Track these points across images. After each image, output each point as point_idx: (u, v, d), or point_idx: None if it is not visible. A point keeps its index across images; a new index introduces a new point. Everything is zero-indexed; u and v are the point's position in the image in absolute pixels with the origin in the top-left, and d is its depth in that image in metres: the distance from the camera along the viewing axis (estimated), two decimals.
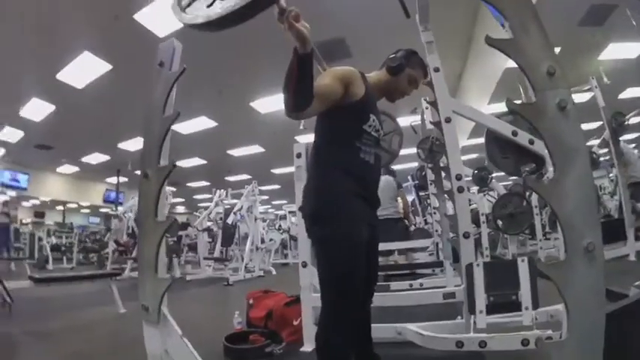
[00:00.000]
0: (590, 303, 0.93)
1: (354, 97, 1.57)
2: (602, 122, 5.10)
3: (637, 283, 2.09)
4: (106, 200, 16.99)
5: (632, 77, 8.04)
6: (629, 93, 9.10)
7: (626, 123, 5.13)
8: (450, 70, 7.09)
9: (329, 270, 1.52)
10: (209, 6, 1.21)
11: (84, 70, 6.62)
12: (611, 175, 9.92)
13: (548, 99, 1.00)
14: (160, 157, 1.38)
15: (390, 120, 3.29)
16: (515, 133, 2.33)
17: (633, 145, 16.20)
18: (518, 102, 1.03)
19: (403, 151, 3.46)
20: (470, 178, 4.43)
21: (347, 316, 1.50)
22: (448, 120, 2.27)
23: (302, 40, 1.20)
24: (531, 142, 2.32)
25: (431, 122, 2.86)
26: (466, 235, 2.16)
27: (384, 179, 4.95)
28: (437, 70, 2.40)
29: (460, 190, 2.19)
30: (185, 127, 9.42)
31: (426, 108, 3.66)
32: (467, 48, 6.83)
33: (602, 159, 7.18)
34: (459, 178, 2.20)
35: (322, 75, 1.56)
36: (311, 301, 2.42)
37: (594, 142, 5.78)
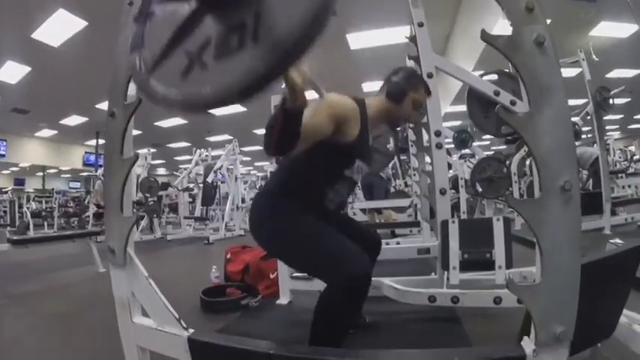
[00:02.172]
0: (565, 244, 0.89)
1: (344, 137, 1.43)
2: (587, 100, 5.12)
3: (612, 241, 2.12)
4: (86, 163, 16.67)
5: (620, 58, 8.06)
6: (617, 73, 9.15)
7: (611, 101, 5.16)
8: (437, 31, 7.01)
9: (306, 252, 1.43)
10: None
11: (59, 28, 6.39)
12: None
13: (526, 34, 0.96)
14: (126, 95, 1.32)
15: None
16: (497, 93, 2.31)
17: (617, 126, 16.56)
18: (495, 35, 0.99)
19: None
20: (449, 139, 4.45)
21: (356, 279, 1.33)
22: (430, 75, 2.23)
23: (294, 94, 1.00)
24: (513, 102, 2.30)
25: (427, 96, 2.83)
26: (442, 192, 2.17)
27: None
28: (421, 25, 2.35)
29: (438, 146, 2.18)
30: None
31: None
32: (456, 9, 6.73)
33: (584, 136, 7.27)
34: (437, 134, 2.19)
35: (316, 109, 1.33)
36: None
37: (576, 118, 5.82)
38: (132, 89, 1.37)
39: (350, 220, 1.89)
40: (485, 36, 0.97)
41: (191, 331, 1.20)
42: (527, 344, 0.94)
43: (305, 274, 2.20)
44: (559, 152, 0.92)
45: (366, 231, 1.82)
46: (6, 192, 13.83)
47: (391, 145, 3.21)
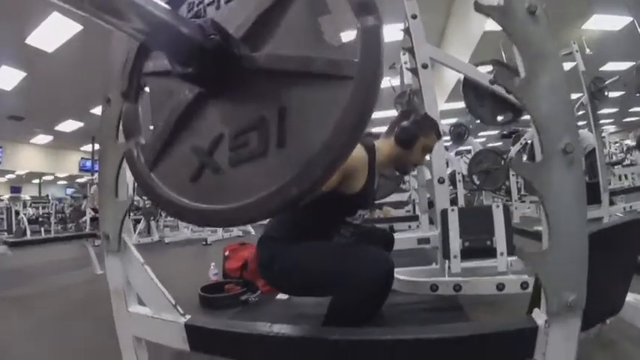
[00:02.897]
0: (571, 207, 0.88)
1: (349, 189, 1.41)
2: (581, 94, 5.12)
3: (616, 213, 2.11)
4: (82, 169, 16.61)
5: (614, 51, 8.09)
6: (611, 66, 9.17)
7: (606, 93, 5.16)
8: (431, 26, 7.01)
9: (329, 272, 1.37)
10: None
11: (54, 32, 6.37)
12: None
13: (517, 3, 0.96)
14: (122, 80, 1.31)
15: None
16: (492, 82, 2.31)
17: (612, 119, 16.64)
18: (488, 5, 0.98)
19: (384, 114, 3.43)
20: (446, 133, 4.45)
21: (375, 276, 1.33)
22: (425, 66, 2.23)
23: None
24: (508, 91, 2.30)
25: (407, 69, 2.83)
26: (441, 181, 2.16)
27: None
28: (414, 17, 2.35)
29: None
30: None
31: (405, 63, 3.61)
32: (449, 4, 6.75)
33: (580, 130, 7.27)
34: None
35: None
36: None
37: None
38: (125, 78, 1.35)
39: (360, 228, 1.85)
40: (478, 7, 0.96)
41: (188, 317, 1.18)
42: (539, 315, 0.92)
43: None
44: (558, 116, 0.91)
45: (377, 230, 1.83)
46: (2, 199, 13.76)
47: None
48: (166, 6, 0.70)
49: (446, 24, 7.34)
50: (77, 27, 6.26)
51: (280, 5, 0.76)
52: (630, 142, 11.58)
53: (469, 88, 2.48)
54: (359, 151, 1.43)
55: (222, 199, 0.76)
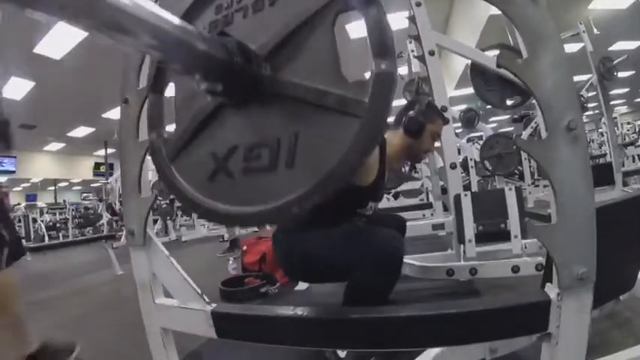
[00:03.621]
0: (577, 182, 0.89)
1: (360, 181, 1.43)
2: (591, 75, 5.06)
3: (625, 188, 2.11)
4: (97, 173, 16.79)
5: (621, 30, 7.95)
6: (620, 46, 9.02)
7: (615, 74, 5.09)
8: (437, 13, 6.96)
9: (343, 252, 1.42)
10: None
11: (60, 40, 6.43)
12: (600, 129, 10.00)
13: None
14: (138, 80, 1.34)
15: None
16: (499, 65, 2.31)
17: (623, 100, 16.37)
18: None
19: (395, 102, 3.43)
20: (456, 118, 4.44)
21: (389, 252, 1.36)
22: (432, 53, 2.24)
23: None
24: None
25: (414, 57, 2.83)
26: (453, 166, 2.18)
27: None
28: (419, 4, 2.36)
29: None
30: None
31: (412, 51, 3.61)
32: None
33: (589, 113, 7.20)
34: (444, 110, 2.19)
35: None
36: None
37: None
38: (144, 74, 1.39)
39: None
40: None
41: (214, 305, 1.22)
42: (551, 289, 0.94)
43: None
44: (560, 93, 0.92)
45: (389, 216, 1.87)
46: (19, 208, 13.98)
47: (406, 169, 3.18)
48: (184, 24, 0.72)
49: (451, 9, 7.27)
50: (83, 33, 6.31)
51: (306, 29, 0.79)
52: None
53: (477, 73, 2.48)
54: None
55: (232, 201, 0.83)
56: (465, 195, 2.12)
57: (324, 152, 0.73)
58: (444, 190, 2.33)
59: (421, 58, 2.30)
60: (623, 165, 6.20)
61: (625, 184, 4.88)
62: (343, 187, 0.67)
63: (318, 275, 1.57)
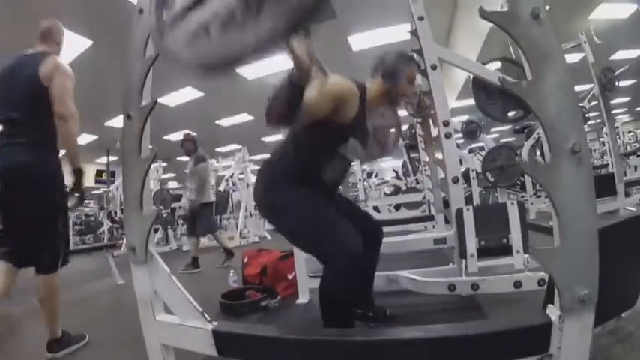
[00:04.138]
0: (580, 205, 0.90)
1: (341, 118, 1.54)
2: (592, 85, 5.07)
3: (628, 207, 2.11)
4: (99, 181, 16.79)
5: (623, 39, 7.96)
6: (621, 55, 9.04)
7: (617, 83, 5.11)
8: (438, 24, 6.97)
9: (299, 222, 1.53)
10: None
11: (65, 49, 6.46)
12: (602, 138, 10.00)
13: (522, 7, 0.98)
14: (141, 97, 1.36)
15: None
16: (501, 80, 2.31)
17: (625, 108, 16.37)
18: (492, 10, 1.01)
19: None
20: (458, 130, 4.44)
21: (350, 259, 1.42)
22: (434, 67, 2.25)
23: (298, 67, 1.13)
24: None
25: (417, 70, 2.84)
26: (455, 180, 2.17)
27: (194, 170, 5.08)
28: (421, 18, 2.37)
29: (448, 135, 2.19)
30: (171, 100, 9.22)
31: None
32: (455, 2, 6.70)
33: (591, 122, 7.20)
34: (446, 124, 2.20)
35: (318, 88, 1.38)
36: (303, 253, 2.43)
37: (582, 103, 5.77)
38: (147, 91, 1.40)
39: (352, 205, 1.94)
40: (483, 13, 0.99)
41: (215, 323, 1.22)
42: (553, 311, 0.94)
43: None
44: (564, 116, 0.94)
45: (367, 217, 1.91)
46: None
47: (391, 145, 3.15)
48: None
49: (453, 20, 7.30)
50: (87, 42, 6.37)
51: None
52: None
53: (479, 86, 2.48)
54: (350, 83, 1.57)
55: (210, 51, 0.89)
56: (467, 209, 2.11)
57: None
58: (446, 204, 2.33)
59: (423, 72, 2.31)
60: (625, 174, 6.19)
61: (627, 194, 4.88)
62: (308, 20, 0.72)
63: (279, 229, 1.63)
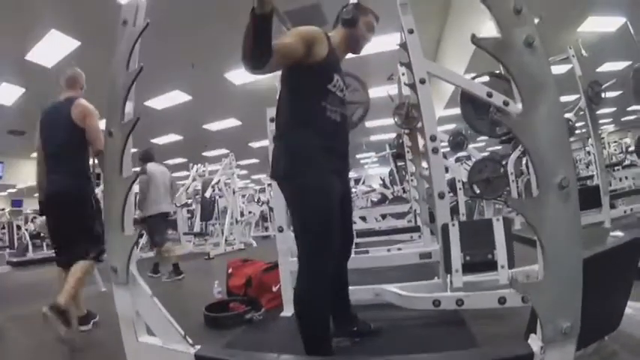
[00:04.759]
0: (566, 240, 0.90)
1: (316, 57, 1.59)
2: (579, 95, 5.14)
3: (613, 234, 2.13)
4: None
5: (610, 51, 8.10)
6: (607, 67, 9.20)
7: (603, 95, 5.18)
8: (427, 36, 7.03)
9: (305, 222, 1.56)
10: None
11: (52, 49, 6.40)
12: (587, 147, 10.14)
13: (515, 35, 0.98)
14: (123, 114, 1.33)
15: (362, 90, 3.19)
16: (489, 95, 2.33)
17: (610, 119, 16.66)
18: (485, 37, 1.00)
19: (382, 122, 3.45)
20: (445, 142, 4.46)
21: (325, 268, 1.53)
22: (422, 81, 2.25)
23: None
24: (506, 103, 2.31)
25: (405, 84, 2.84)
26: (441, 196, 2.18)
27: (160, 170, 5.07)
28: (411, 31, 2.37)
29: (435, 150, 2.19)
30: (159, 103, 9.15)
31: (403, 74, 3.63)
32: (445, 14, 6.77)
33: (577, 131, 7.29)
34: (433, 139, 2.20)
35: (285, 34, 1.57)
36: (289, 265, 2.42)
37: (569, 114, 5.84)
38: (129, 107, 1.38)
39: (348, 206, 1.93)
40: (475, 40, 0.99)
41: (197, 347, 1.20)
42: (535, 341, 0.94)
43: None
44: (554, 149, 0.93)
45: (349, 222, 1.91)
46: (3, 214, 13.73)
47: (357, 117, 3.13)
48: None
49: (442, 31, 7.35)
50: (75, 43, 6.29)
51: None
52: (629, 141, 11.60)
53: (467, 101, 2.50)
54: (315, 27, 1.63)
55: None
56: (453, 225, 2.12)
57: None
58: (432, 217, 2.34)
59: (412, 86, 2.32)
60: (610, 184, 6.27)
61: (612, 206, 4.93)
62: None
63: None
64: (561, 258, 0.91)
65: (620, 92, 10.59)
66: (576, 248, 0.92)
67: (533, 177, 0.96)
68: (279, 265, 2.51)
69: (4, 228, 11.69)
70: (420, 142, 2.64)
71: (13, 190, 18.31)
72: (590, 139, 5.71)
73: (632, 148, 11.60)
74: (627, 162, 8.98)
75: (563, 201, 0.90)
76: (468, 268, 2.10)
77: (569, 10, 6.36)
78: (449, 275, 2.11)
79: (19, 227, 11.24)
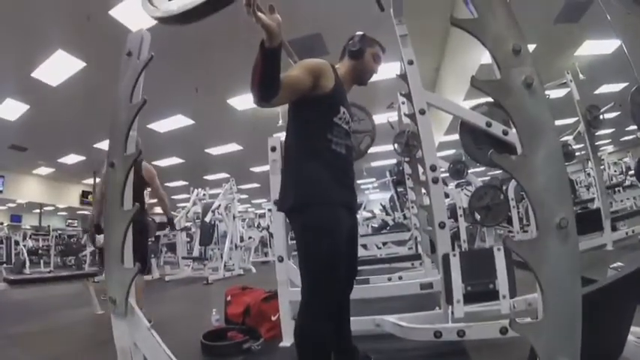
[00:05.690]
0: (565, 282, 0.90)
1: (323, 89, 1.60)
2: (577, 118, 5.18)
3: (613, 265, 2.11)
4: (84, 202, 16.64)
5: (607, 74, 8.18)
6: (605, 89, 9.28)
7: (601, 117, 5.22)
8: (427, 64, 7.12)
9: (311, 259, 1.53)
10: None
11: (58, 68, 6.48)
12: (587, 169, 10.15)
13: (514, 76, 0.98)
14: (126, 146, 1.34)
15: (368, 120, 3.22)
16: (489, 124, 2.35)
17: (609, 140, 16.71)
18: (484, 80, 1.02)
19: (382, 148, 3.47)
20: (444, 169, 4.46)
21: (328, 306, 1.52)
22: (422, 112, 2.28)
23: (269, 33, 1.19)
24: (505, 132, 2.34)
25: (405, 115, 2.87)
26: (442, 225, 2.17)
27: None
28: (411, 62, 2.41)
29: (435, 180, 2.20)
30: (162, 126, 9.27)
31: (403, 103, 3.67)
32: (444, 43, 6.86)
33: (577, 153, 7.29)
34: (433, 169, 2.21)
35: (292, 67, 1.59)
36: (288, 295, 2.40)
37: (568, 137, 5.87)
38: (132, 139, 1.39)
39: (355, 242, 1.90)
40: (475, 82, 1.00)
41: None
42: None
43: None
44: (553, 191, 0.93)
45: (355, 257, 1.88)
46: (1, 228, 13.66)
47: (365, 146, 3.14)
48: None
49: (442, 58, 7.44)
50: (81, 64, 6.38)
51: None
52: (629, 160, 11.60)
53: (466, 130, 2.52)
54: (321, 60, 1.66)
55: None
56: (454, 255, 2.11)
57: None
58: (433, 247, 2.33)
59: (412, 117, 2.34)
60: (612, 205, 6.25)
61: (614, 228, 4.91)
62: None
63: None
64: (560, 298, 0.91)
65: (618, 113, 10.66)
66: (575, 287, 0.91)
67: (532, 219, 0.96)
68: (279, 295, 2.49)
69: (1, 243, 11.60)
70: (420, 170, 2.64)
71: (13, 205, 18.29)
72: (589, 162, 5.73)
73: (632, 172, 11.64)
74: (627, 182, 8.98)
75: (562, 241, 0.90)
76: (469, 298, 2.08)
77: (566, 35, 6.45)
78: (450, 306, 2.09)
79: (17, 243, 11.17)
